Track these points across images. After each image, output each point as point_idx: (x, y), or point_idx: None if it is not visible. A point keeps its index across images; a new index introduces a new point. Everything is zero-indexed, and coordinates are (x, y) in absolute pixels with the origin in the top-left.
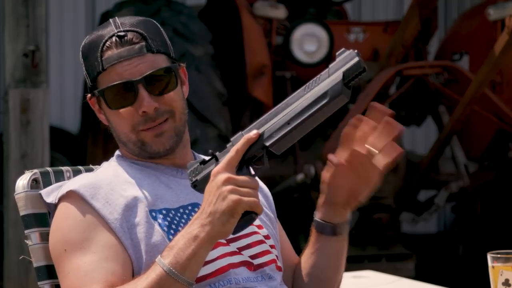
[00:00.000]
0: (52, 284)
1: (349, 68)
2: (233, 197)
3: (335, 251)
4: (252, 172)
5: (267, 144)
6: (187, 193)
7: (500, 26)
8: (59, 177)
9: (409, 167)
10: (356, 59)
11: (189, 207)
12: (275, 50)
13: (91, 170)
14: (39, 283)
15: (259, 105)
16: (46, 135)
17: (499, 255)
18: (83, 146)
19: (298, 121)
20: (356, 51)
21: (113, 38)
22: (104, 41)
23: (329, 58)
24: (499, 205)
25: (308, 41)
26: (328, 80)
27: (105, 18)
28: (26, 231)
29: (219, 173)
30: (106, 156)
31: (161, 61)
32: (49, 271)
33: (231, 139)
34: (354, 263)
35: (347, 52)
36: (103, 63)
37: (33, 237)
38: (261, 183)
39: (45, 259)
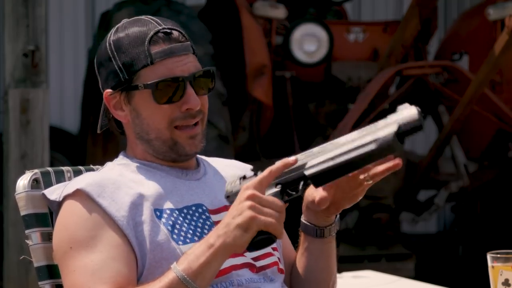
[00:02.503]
0: (52, 284)
1: (406, 123)
2: (249, 213)
3: (322, 252)
4: (285, 197)
5: (307, 173)
6: (191, 194)
7: (500, 26)
8: (60, 177)
9: (409, 167)
10: (416, 116)
11: (193, 208)
12: (275, 50)
13: (92, 170)
14: (39, 283)
15: (259, 105)
16: (46, 135)
17: (499, 255)
18: (83, 146)
19: (342, 159)
20: (418, 108)
21: (160, 34)
22: (151, 35)
23: (329, 58)
24: (499, 205)
25: (308, 41)
26: (383, 128)
27: (105, 18)
28: (26, 231)
29: (248, 188)
30: (106, 156)
31: (199, 64)
32: (50, 271)
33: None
34: (354, 263)
35: (410, 107)
36: (152, 56)
37: (33, 237)
38: None
39: (46, 259)
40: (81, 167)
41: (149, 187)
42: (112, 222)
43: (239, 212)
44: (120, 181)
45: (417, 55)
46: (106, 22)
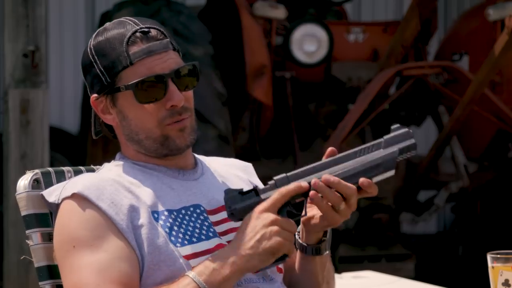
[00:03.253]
0: (53, 284)
1: (405, 147)
2: (279, 239)
3: (310, 268)
4: (293, 215)
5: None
6: (188, 195)
7: (500, 26)
8: (60, 177)
9: (409, 167)
10: (413, 140)
11: (191, 208)
12: (275, 50)
13: (92, 170)
14: (40, 283)
15: (259, 105)
16: (46, 135)
17: (499, 256)
18: (83, 146)
19: (354, 180)
20: (411, 130)
21: (137, 34)
22: (128, 36)
23: (329, 58)
24: (499, 205)
25: (308, 41)
26: (382, 152)
27: (104, 18)
28: (27, 231)
29: (265, 212)
30: (106, 157)
31: (181, 60)
32: (50, 271)
33: (274, 178)
34: (354, 263)
35: (403, 130)
36: (130, 57)
37: (34, 237)
38: (259, 184)
39: (46, 259)
40: (82, 168)
41: (146, 189)
42: (113, 224)
43: (267, 237)
44: (118, 182)
45: (417, 56)
46: (106, 22)
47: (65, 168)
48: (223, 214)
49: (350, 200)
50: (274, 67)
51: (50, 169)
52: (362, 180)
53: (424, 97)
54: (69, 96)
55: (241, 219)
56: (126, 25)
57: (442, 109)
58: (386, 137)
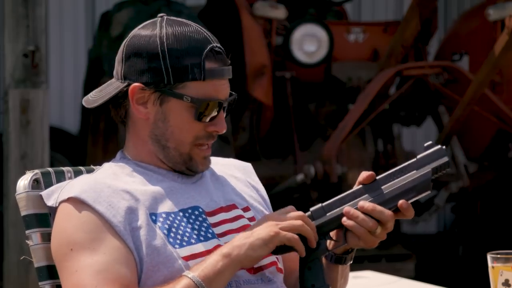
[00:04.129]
0: (53, 284)
1: (439, 166)
2: (275, 229)
3: (331, 275)
4: (328, 246)
5: None
6: (186, 197)
7: (500, 26)
8: (60, 177)
9: None
10: (446, 159)
11: (189, 211)
12: (275, 50)
13: (92, 170)
14: (40, 283)
15: (259, 105)
16: (46, 136)
17: (499, 255)
18: (83, 146)
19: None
20: (444, 147)
21: (213, 51)
22: (207, 50)
23: (329, 58)
24: (499, 205)
25: (308, 41)
26: (416, 173)
27: (105, 18)
28: (27, 232)
29: None
30: (106, 157)
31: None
32: (50, 272)
33: (311, 209)
34: (354, 263)
35: (437, 147)
36: (205, 73)
37: (34, 237)
38: (257, 184)
39: (46, 259)
40: (82, 168)
41: (145, 191)
42: (110, 227)
43: (263, 227)
44: (116, 184)
45: (417, 56)
46: (106, 22)
47: (65, 168)
48: (222, 216)
49: (386, 224)
50: (274, 67)
51: (50, 169)
52: (401, 202)
53: (424, 97)
54: (69, 96)
55: None
56: (201, 34)
57: (442, 109)
58: (419, 156)
